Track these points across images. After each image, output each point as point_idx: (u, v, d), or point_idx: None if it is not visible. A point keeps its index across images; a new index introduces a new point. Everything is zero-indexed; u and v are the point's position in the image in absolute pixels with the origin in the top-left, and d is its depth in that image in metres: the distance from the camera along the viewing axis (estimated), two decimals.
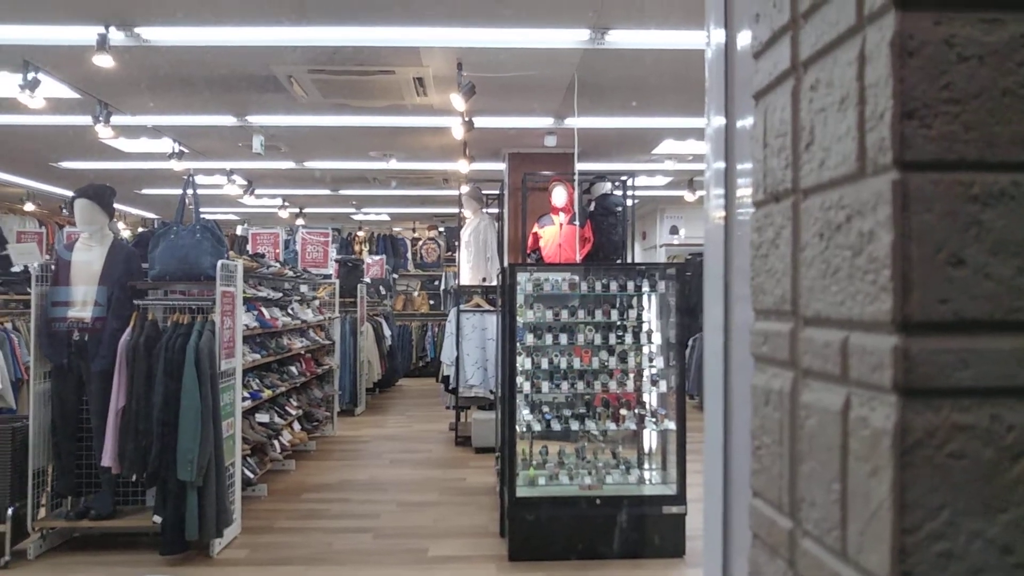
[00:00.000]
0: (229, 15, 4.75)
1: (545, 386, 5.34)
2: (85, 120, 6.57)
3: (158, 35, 5.00)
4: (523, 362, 5.34)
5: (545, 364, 5.35)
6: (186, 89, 6.26)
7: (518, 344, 5.30)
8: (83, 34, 4.84)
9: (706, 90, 0.90)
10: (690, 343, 9.23)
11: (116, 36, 4.86)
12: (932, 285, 0.48)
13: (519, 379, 5.26)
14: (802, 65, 0.59)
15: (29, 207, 11.03)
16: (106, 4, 4.55)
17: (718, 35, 0.86)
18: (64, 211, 12.08)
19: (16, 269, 7.84)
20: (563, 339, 5.40)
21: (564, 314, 5.42)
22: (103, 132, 6.45)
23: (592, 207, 7.79)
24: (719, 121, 0.86)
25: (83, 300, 4.88)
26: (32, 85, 5.37)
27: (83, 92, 6.11)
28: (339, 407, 9.04)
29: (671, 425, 5.24)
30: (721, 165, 0.86)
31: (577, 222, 7.42)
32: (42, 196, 11.16)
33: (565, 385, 5.35)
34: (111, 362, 4.69)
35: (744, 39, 0.80)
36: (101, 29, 4.77)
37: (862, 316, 0.51)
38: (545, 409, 5.44)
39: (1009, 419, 0.48)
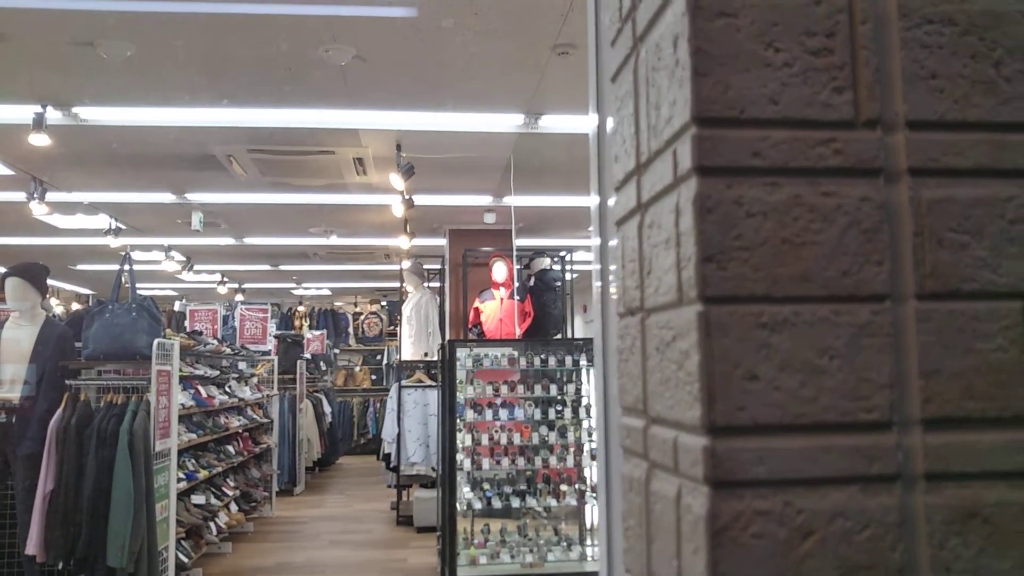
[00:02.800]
0: (168, 96, 4.85)
1: (486, 463, 5.38)
2: (19, 197, 6.54)
3: (96, 115, 5.05)
4: (463, 438, 5.38)
5: (485, 440, 5.40)
6: (124, 167, 6.30)
7: (458, 420, 5.34)
8: (19, 113, 4.86)
9: (589, 173, 1.02)
10: None
11: (53, 115, 4.90)
12: (732, 396, 0.59)
13: (459, 456, 5.29)
14: (644, 206, 0.71)
15: None
16: (43, 85, 4.61)
17: (593, 120, 0.99)
18: None
19: None
20: (503, 415, 5.46)
21: (504, 389, 5.50)
22: (37, 209, 6.42)
23: (532, 282, 7.94)
24: (596, 200, 0.99)
25: (11, 379, 4.80)
26: None
27: (17, 169, 6.10)
28: (277, 487, 8.88)
29: None
30: (598, 241, 0.98)
31: (517, 297, 7.55)
32: None
33: (506, 461, 5.39)
34: (39, 445, 4.59)
35: (610, 125, 0.93)
36: (38, 108, 4.81)
37: (684, 419, 0.62)
38: (486, 486, 5.46)
39: (798, 504, 0.58)
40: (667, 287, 0.65)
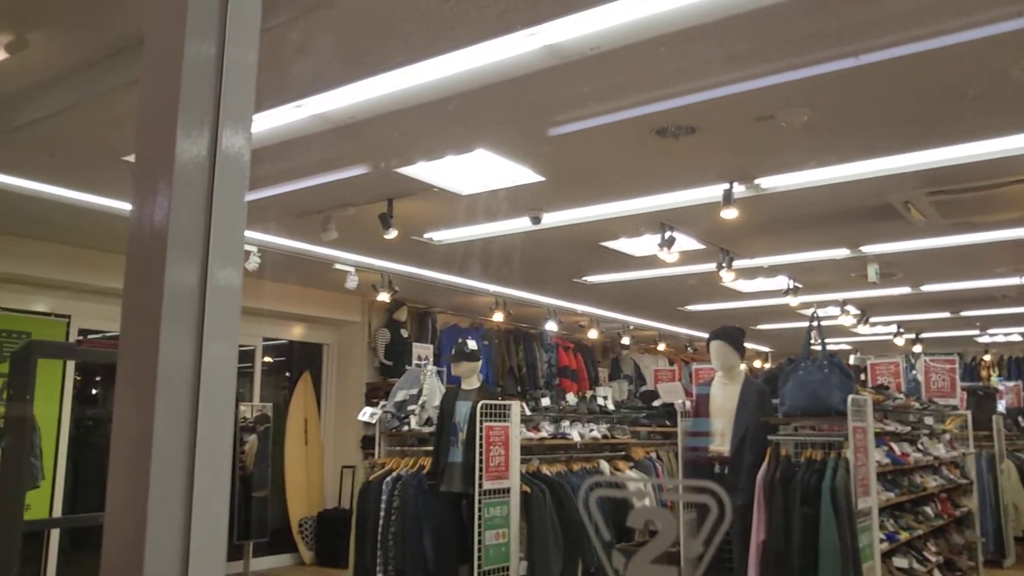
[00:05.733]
0: (842, 152, 4.86)
1: None
2: (708, 267, 7.27)
3: (774, 182, 5.32)
4: None
5: None
6: (798, 228, 6.52)
7: None
8: (709, 193, 5.41)
9: None
10: None
11: (738, 189, 5.31)
12: None
13: None
14: None
15: (661, 347, 12.47)
16: (730, 163, 5.04)
17: None
18: (688, 349, 13.35)
19: (656, 404, 8.84)
20: None
21: None
22: (725, 276, 7.04)
23: None
24: None
25: (721, 433, 5.26)
26: (668, 243, 6.16)
27: (707, 243, 6.78)
28: (983, 557, 7.98)
29: None
30: None
31: None
32: (671, 336, 12.52)
33: None
34: (749, 496, 4.91)
35: None
36: (726, 186, 5.28)
37: None
38: None
39: None
40: None
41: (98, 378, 8.35)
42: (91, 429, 7.68)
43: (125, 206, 5.51)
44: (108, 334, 7.23)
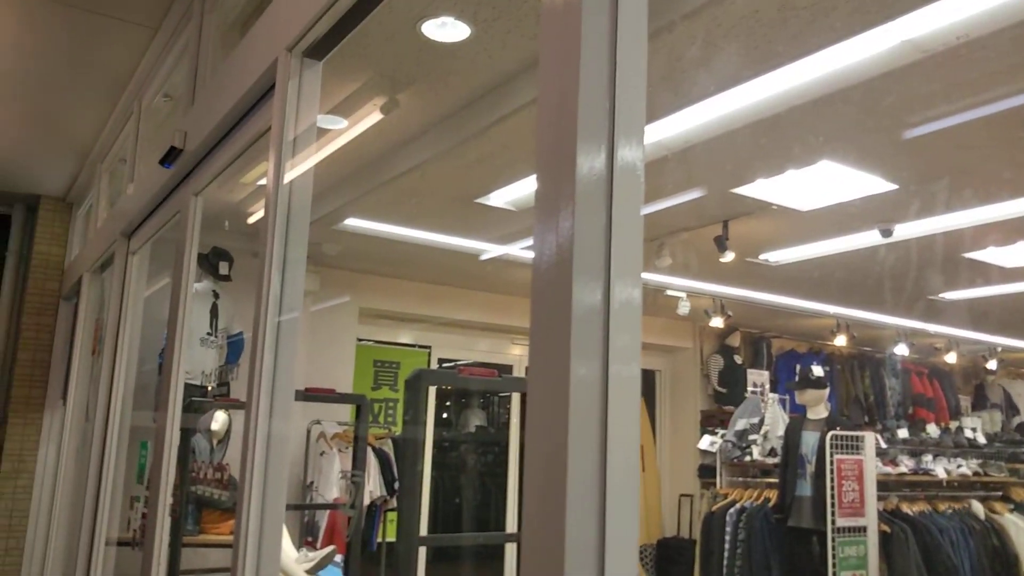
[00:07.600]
0: None
1: None
2: None
3: None
4: None
5: None
6: None
7: None
8: None
9: None
10: None
11: None
12: None
13: None
14: None
15: None
16: None
17: None
18: None
19: None
20: None
21: None
22: None
23: None
24: None
25: None
26: None
27: None
28: None
29: None
30: None
31: None
32: None
33: None
34: None
35: None
36: None
37: None
38: None
39: None
40: None
41: (448, 403, 9.09)
42: (445, 450, 8.37)
43: (476, 244, 5.96)
44: (461, 362, 7.85)
